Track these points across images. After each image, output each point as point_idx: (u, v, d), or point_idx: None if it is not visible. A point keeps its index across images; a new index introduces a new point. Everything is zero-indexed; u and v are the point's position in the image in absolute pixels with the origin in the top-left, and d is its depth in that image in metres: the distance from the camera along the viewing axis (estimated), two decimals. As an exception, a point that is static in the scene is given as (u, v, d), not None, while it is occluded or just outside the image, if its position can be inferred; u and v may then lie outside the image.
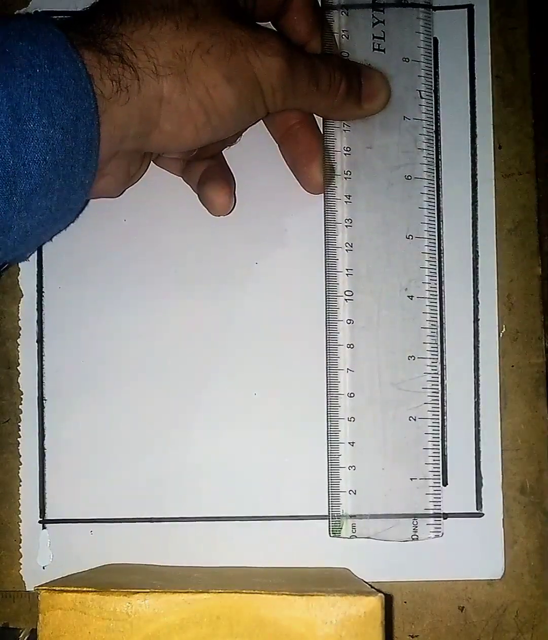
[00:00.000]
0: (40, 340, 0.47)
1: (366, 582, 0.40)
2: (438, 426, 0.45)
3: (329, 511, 0.45)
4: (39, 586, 0.35)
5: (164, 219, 0.47)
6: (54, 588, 0.35)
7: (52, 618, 0.35)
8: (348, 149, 0.45)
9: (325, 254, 0.45)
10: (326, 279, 0.45)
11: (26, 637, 0.45)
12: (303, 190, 0.46)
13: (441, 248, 0.46)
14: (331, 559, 0.45)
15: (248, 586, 0.36)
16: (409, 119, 0.46)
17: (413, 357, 0.45)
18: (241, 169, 0.47)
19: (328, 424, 0.45)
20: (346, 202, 0.46)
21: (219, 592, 0.35)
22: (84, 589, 0.35)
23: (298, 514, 0.46)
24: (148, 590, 0.35)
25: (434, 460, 0.45)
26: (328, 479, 0.45)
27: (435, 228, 0.46)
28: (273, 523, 0.46)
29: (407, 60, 0.45)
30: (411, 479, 0.45)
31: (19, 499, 0.46)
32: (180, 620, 0.35)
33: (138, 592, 0.35)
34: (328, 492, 0.45)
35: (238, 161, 0.47)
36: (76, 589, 0.35)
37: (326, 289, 0.45)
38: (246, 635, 0.35)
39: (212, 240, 0.47)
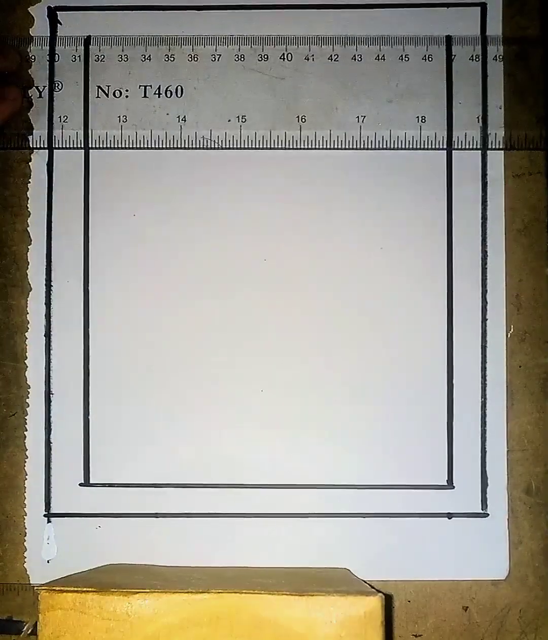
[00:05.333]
0: (48, 335, 0.47)
1: (366, 582, 0.40)
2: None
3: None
4: (39, 586, 0.35)
5: (173, 215, 0.47)
6: (54, 588, 0.35)
7: (52, 618, 0.35)
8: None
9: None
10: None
11: (30, 630, 0.45)
12: (311, 188, 0.46)
13: (451, 248, 0.46)
14: (331, 559, 0.45)
15: (248, 586, 0.36)
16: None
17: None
18: (251, 167, 0.47)
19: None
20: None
21: (219, 592, 0.36)
22: (84, 589, 0.35)
23: (300, 511, 0.46)
24: (148, 590, 0.35)
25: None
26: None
27: (445, 227, 0.46)
28: (275, 520, 0.46)
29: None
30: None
31: (25, 492, 0.46)
32: (180, 620, 0.35)
33: (138, 592, 0.35)
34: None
35: (248, 160, 0.47)
36: (75, 589, 0.35)
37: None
38: (246, 635, 0.35)
39: (220, 237, 0.47)
